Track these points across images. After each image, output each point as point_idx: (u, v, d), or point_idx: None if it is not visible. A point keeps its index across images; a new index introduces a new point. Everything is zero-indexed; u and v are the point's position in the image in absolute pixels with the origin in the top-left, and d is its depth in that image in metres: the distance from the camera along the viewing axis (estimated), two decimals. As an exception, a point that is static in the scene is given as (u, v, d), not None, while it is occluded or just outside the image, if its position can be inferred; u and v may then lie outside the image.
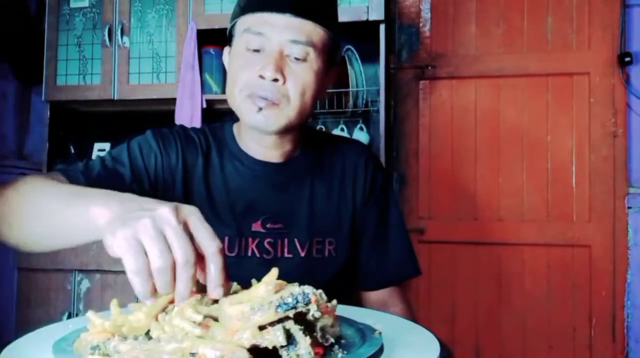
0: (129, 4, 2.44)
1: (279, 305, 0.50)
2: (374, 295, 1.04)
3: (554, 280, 2.26)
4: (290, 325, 0.50)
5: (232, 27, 0.94)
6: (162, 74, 2.41)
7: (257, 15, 0.87)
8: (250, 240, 0.94)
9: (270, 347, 0.48)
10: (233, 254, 0.93)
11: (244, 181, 0.96)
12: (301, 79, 0.87)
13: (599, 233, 2.23)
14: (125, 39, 2.44)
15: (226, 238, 0.93)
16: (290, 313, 0.50)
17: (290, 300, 0.50)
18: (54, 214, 0.67)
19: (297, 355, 0.49)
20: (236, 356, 0.46)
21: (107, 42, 2.43)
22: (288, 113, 0.88)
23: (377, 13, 2.20)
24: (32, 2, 2.70)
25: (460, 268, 2.34)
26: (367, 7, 2.20)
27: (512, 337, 2.29)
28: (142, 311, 0.54)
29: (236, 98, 0.89)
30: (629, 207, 2.21)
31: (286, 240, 0.95)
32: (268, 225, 0.95)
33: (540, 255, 2.28)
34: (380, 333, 0.58)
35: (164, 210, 0.54)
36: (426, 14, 2.44)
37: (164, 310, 0.55)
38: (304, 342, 0.49)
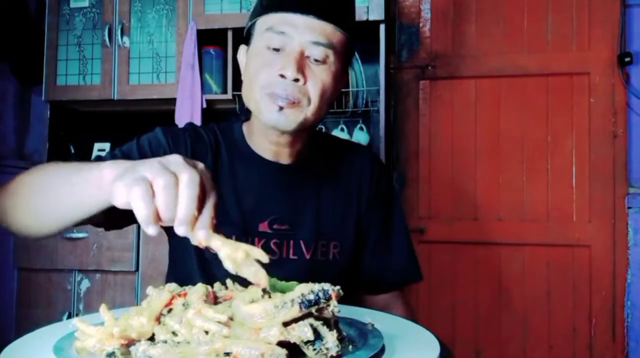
0: (129, 4, 2.44)
1: (302, 302, 0.51)
2: (376, 299, 1.05)
3: (554, 280, 2.26)
4: (312, 320, 0.51)
5: (252, 25, 0.94)
6: (162, 74, 2.41)
7: (279, 14, 0.88)
8: (256, 240, 0.94)
9: (298, 343, 0.50)
10: None
11: (253, 181, 0.97)
12: (321, 81, 0.88)
13: (599, 233, 2.23)
14: (125, 39, 2.44)
15: (233, 238, 0.92)
16: (313, 309, 0.52)
17: (312, 296, 0.51)
18: (63, 183, 0.68)
19: (327, 349, 0.50)
20: (276, 354, 0.48)
21: (107, 42, 2.44)
22: (307, 113, 0.89)
23: (377, 13, 2.20)
24: (32, 2, 2.71)
25: (460, 268, 2.34)
26: (367, 7, 2.20)
27: (512, 337, 2.29)
28: (143, 315, 0.54)
29: (256, 95, 0.89)
30: (629, 207, 2.21)
31: (292, 242, 0.95)
32: (275, 226, 0.95)
33: (540, 255, 2.28)
34: (373, 325, 0.60)
35: (173, 156, 0.56)
36: (426, 14, 2.44)
37: (161, 313, 0.55)
38: (330, 336, 0.51)
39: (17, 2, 2.61)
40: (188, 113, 2.30)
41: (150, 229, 0.53)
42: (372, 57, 2.34)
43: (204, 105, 2.31)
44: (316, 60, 0.88)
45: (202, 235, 0.54)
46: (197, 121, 2.28)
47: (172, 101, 2.34)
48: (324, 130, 2.43)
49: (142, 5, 2.44)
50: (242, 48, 0.98)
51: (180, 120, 2.29)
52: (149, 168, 0.53)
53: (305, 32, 0.87)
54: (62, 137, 2.61)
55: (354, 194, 1.02)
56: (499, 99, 2.36)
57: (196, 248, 0.89)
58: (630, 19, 2.26)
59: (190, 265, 0.93)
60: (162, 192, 0.52)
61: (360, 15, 2.20)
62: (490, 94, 2.36)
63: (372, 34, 2.24)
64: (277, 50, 0.88)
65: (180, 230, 0.54)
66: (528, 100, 2.33)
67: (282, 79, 0.86)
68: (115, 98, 2.43)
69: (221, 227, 0.90)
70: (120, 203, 0.54)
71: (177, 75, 2.36)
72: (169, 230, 0.93)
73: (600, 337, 2.21)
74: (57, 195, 0.70)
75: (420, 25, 2.45)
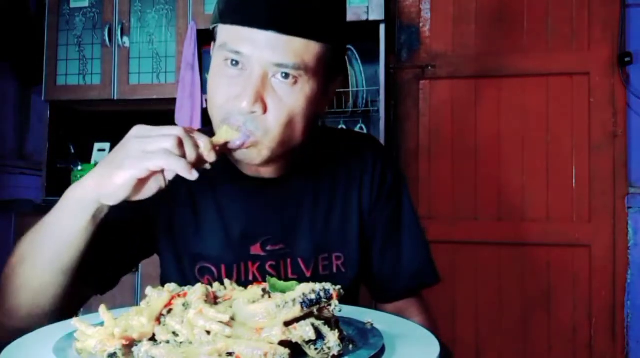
0: (129, 4, 2.44)
1: (303, 302, 0.51)
2: (390, 307, 0.97)
3: (554, 280, 2.26)
4: (313, 320, 0.52)
5: (214, 28, 0.81)
6: (162, 74, 2.41)
7: (235, 28, 0.72)
8: (250, 264, 0.86)
9: (299, 342, 0.50)
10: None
11: (238, 201, 0.87)
12: (287, 108, 0.73)
13: (599, 233, 2.23)
14: (125, 39, 2.44)
15: (222, 266, 0.86)
16: (314, 309, 0.52)
17: (313, 296, 0.52)
18: (41, 232, 0.71)
19: (329, 348, 0.50)
20: (279, 353, 0.48)
21: (107, 42, 2.44)
22: (268, 145, 0.75)
23: (377, 13, 2.20)
24: (32, 2, 2.71)
25: (460, 268, 2.34)
26: (367, 7, 2.20)
27: (512, 337, 2.29)
28: (144, 316, 0.54)
29: (215, 118, 0.79)
30: (629, 207, 2.21)
31: (289, 261, 0.87)
32: (268, 248, 0.86)
33: (540, 255, 2.28)
34: (372, 324, 0.59)
35: (132, 132, 0.67)
36: (426, 14, 2.44)
37: (161, 313, 0.55)
38: (332, 335, 0.51)
39: (17, 2, 2.61)
40: (188, 113, 2.30)
41: (194, 173, 0.64)
42: (372, 57, 2.34)
43: (204, 106, 2.31)
44: (284, 80, 0.72)
45: (212, 156, 0.68)
46: (197, 121, 2.29)
47: (172, 101, 2.34)
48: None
49: (142, 5, 2.44)
50: (212, 44, 0.85)
51: (180, 121, 2.29)
52: (136, 142, 0.65)
53: (266, 52, 0.70)
54: (62, 137, 2.61)
55: (355, 195, 0.91)
56: (499, 98, 2.36)
57: (179, 270, 0.88)
58: (630, 19, 2.26)
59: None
60: (174, 142, 0.64)
61: (360, 15, 2.20)
62: (490, 94, 2.36)
63: (372, 34, 2.24)
64: (237, 64, 0.74)
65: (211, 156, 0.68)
66: (528, 100, 2.33)
67: (239, 105, 0.73)
68: (115, 98, 2.43)
69: (204, 255, 0.87)
70: (140, 174, 0.64)
71: (177, 75, 2.36)
72: (160, 253, 0.90)
73: (600, 337, 2.21)
74: (42, 245, 0.70)
75: (420, 25, 2.45)
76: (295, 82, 0.73)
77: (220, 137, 0.73)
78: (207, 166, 0.69)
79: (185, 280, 0.87)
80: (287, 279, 0.84)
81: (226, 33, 0.74)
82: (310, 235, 0.88)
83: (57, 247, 0.70)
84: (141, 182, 0.66)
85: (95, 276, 0.84)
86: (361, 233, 0.91)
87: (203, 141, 0.68)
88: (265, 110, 0.73)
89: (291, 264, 0.87)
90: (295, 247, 0.87)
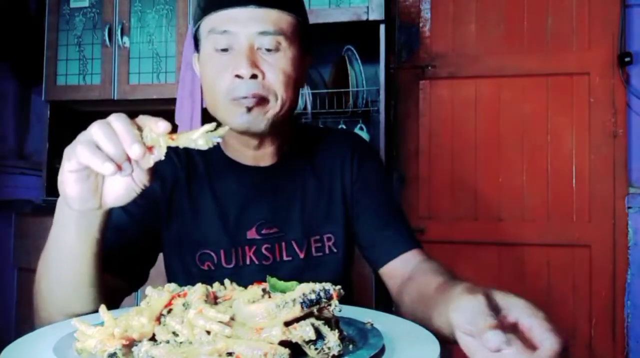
0: (129, 4, 2.44)
1: (303, 302, 0.51)
2: (399, 271, 0.93)
3: (554, 280, 2.26)
4: (313, 320, 0.52)
5: (197, 31, 0.90)
6: (162, 74, 2.41)
7: (219, 13, 0.84)
8: (247, 248, 0.91)
9: (300, 342, 0.50)
10: (231, 266, 0.91)
11: (234, 190, 0.93)
12: (280, 70, 0.84)
13: (599, 233, 2.23)
14: (125, 39, 2.44)
15: (221, 251, 0.91)
16: (314, 309, 0.52)
17: (313, 296, 0.52)
18: (53, 243, 0.68)
19: (329, 348, 0.51)
20: (279, 353, 0.48)
21: (107, 42, 2.44)
22: (275, 109, 0.85)
23: (377, 13, 2.20)
24: (32, 2, 2.71)
25: (461, 268, 2.33)
26: (367, 7, 2.20)
27: (512, 337, 2.29)
28: (144, 316, 0.54)
29: (220, 104, 0.86)
30: (629, 207, 2.21)
31: (283, 244, 0.92)
32: (263, 231, 0.92)
33: (540, 255, 2.28)
34: (372, 324, 0.60)
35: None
36: (426, 14, 2.44)
37: (161, 313, 0.55)
38: (332, 335, 0.51)
39: (17, 2, 2.61)
40: (188, 113, 2.30)
41: (107, 166, 0.56)
42: (372, 57, 2.34)
43: (204, 105, 2.31)
44: (268, 50, 0.83)
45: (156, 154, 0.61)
46: (197, 121, 2.28)
47: (172, 101, 2.34)
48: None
49: (142, 5, 2.44)
50: (195, 57, 0.94)
51: (180, 120, 2.29)
52: (80, 139, 0.59)
53: (250, 24, 0.82)
54: (62, 137, 2.61)
55: (338, 181, 0.98)
56: (499, 99, 2.36)
57: (183, 265, 0.91)
58: (630, 19, 2.26)
59: (180, 281, 0.91)
60: (101, 133, 0.59)
61: (360, 15, 2.20)
62: (490, 94, 2.36)
63: (372, 34, 2.24)
64: (225, 50, 0.84)
65: (135, 150, 0.59)
66: (528, 100, 2.33)
67: (240, 79, 0.82)
68: (115, 98, 2.43)
69: (204, 243, 0.91)
70: (70, 167, 0.58)
71: (177, 75, 2.36)
72: (163, 244, 0.93)
73: (600, 337, 2.21)
74: (49, 261, 0.69)
75: (420, 25, 2.45)
76: (278, 49, 0.84)
77: (188, 135, 0.63)
78: (153, 157, 0.62)
79: (187, 269, 0.91)
80: (282, 261, 0.91)
81: (211, 21, 0.85)
82: (302, 218, 0.94)
83: (62, 262, 0.68)
84: (91, 182, 0.61)
85: (127, 271, 0.86)
86: (346, 216, 0.97)
87: (155, 125, 0.62)
88: (264, 75, 0.83)
89: (285, 247, 0.92)
90: (289, 231, 0.93)
